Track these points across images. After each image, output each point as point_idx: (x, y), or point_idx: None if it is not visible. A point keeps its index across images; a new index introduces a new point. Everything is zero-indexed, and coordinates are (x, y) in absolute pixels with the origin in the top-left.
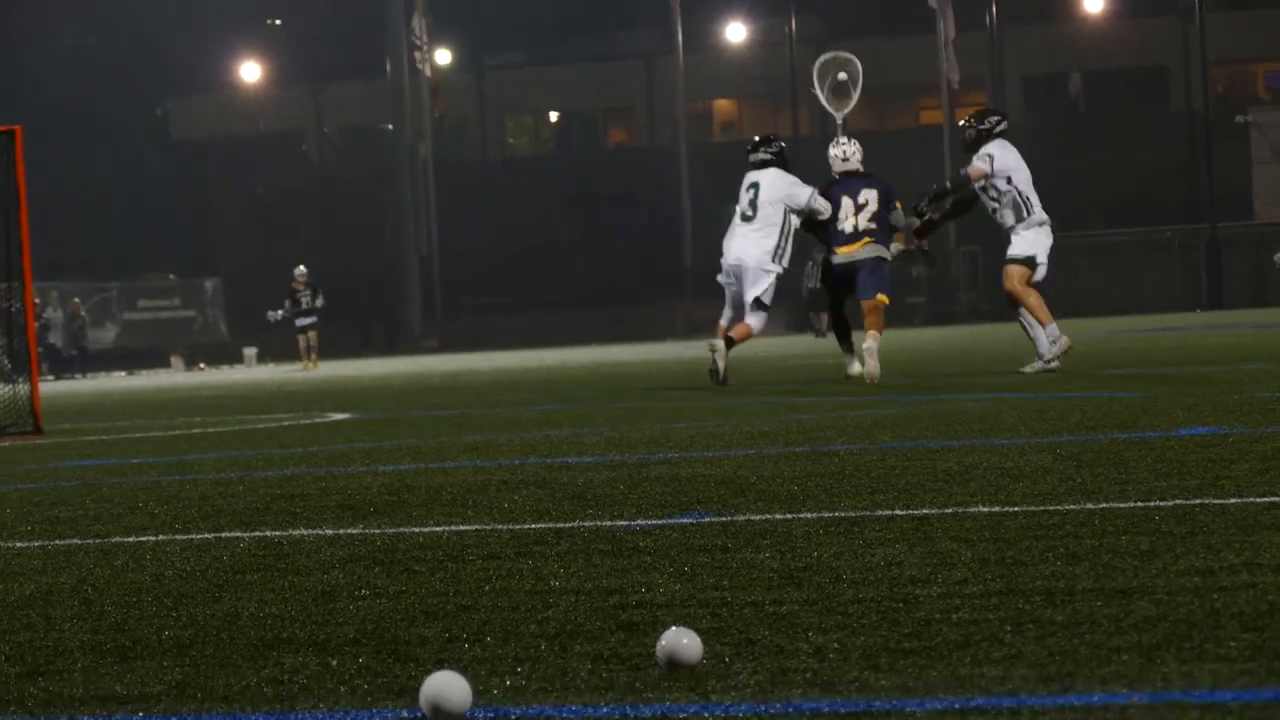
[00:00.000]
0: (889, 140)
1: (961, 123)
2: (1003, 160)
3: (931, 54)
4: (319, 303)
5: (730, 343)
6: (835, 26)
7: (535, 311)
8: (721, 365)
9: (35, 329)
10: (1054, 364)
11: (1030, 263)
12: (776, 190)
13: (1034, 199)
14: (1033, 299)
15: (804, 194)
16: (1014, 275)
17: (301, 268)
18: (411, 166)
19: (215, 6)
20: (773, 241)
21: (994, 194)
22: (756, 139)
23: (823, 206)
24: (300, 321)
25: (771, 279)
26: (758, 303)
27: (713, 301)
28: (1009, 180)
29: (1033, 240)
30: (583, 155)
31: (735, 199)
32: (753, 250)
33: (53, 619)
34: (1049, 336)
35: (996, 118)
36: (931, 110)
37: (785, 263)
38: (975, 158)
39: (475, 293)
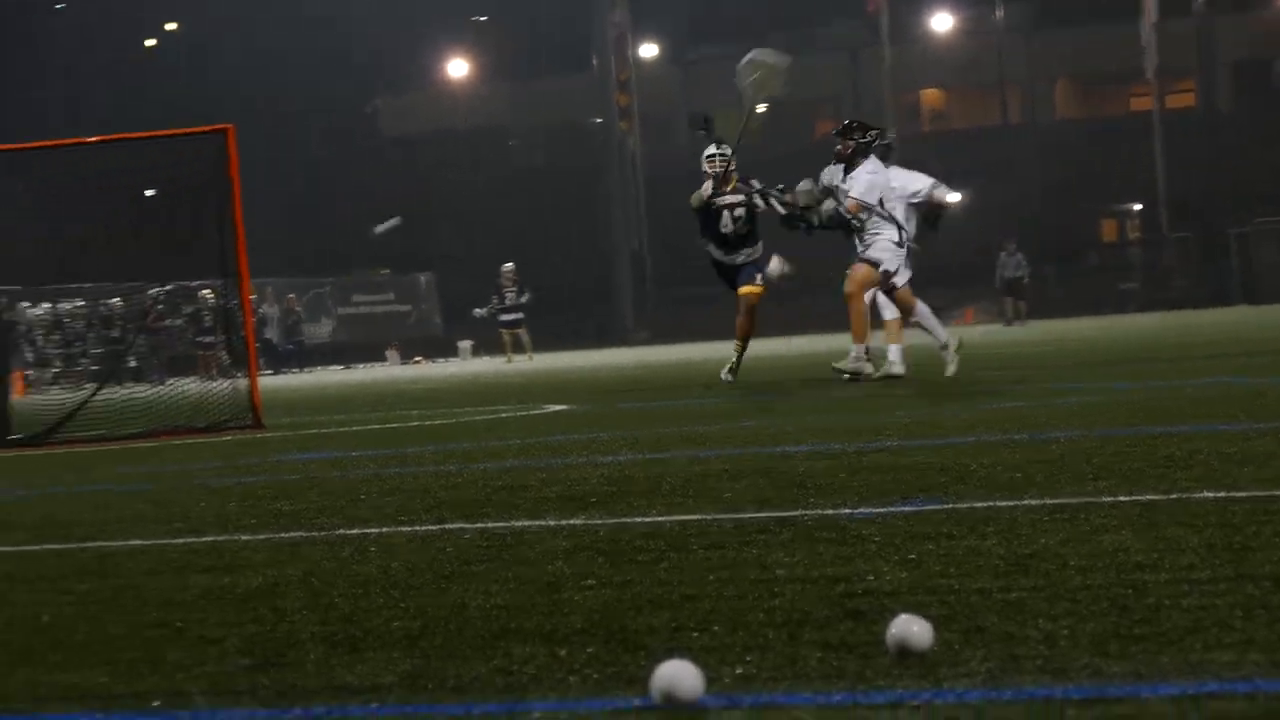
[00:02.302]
0: (1098, 128)
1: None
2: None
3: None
4: (524, 299)
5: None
6: (1043, 13)
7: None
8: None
9: (253, 325)
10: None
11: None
12: None
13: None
14: (862, 308)
15: None
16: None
17: (509, 265)
18: (620, 160)
19: (422, 4)
20: None
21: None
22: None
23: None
24: (505, 318)
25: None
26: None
27: (935, 292)
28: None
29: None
30: (790, 147)
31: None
32: None
33: (282, 611)
34: (856, 354)
35: (876, 131)
36: (1141, 97)
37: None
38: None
39: (686, 284)
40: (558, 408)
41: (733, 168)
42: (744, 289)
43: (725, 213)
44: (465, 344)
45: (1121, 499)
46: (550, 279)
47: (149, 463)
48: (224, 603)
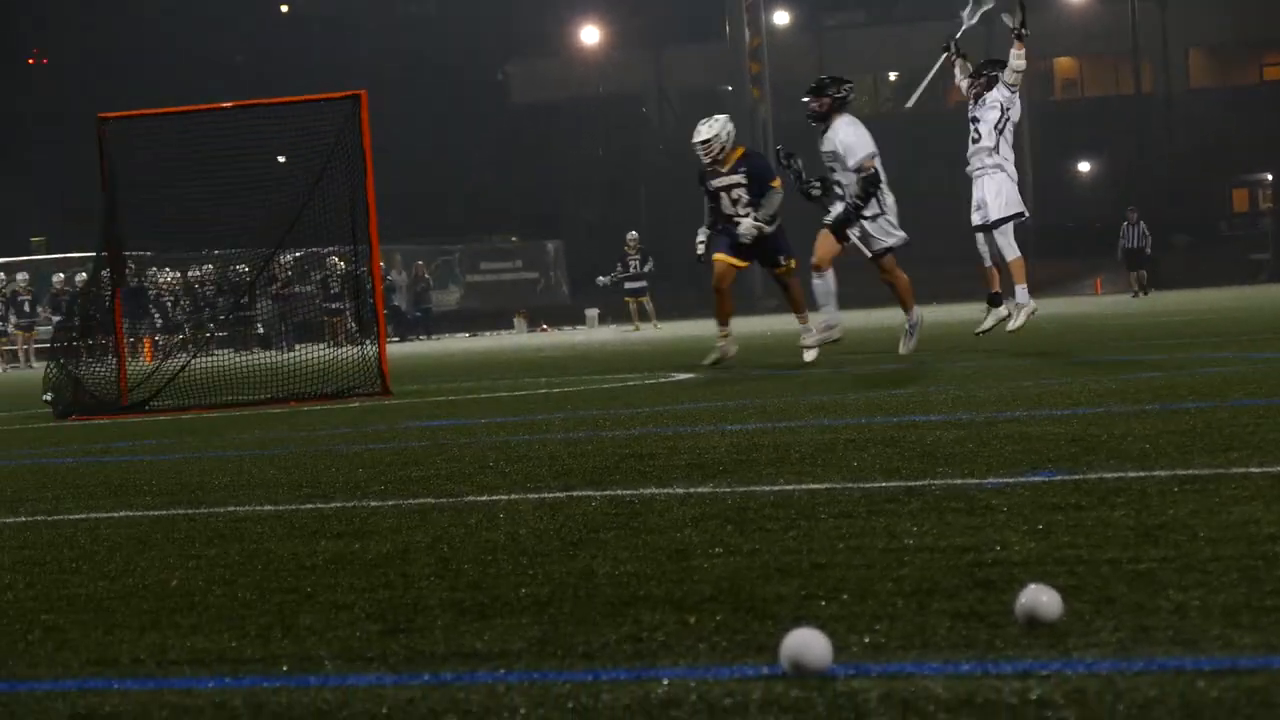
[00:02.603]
0: (1232, 97)
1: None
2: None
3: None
4: (648, 268)
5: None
6: None
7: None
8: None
9: (381, 291)
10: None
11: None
12: None
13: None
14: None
15: None
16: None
17: (633, 233)
18: (752, 128)
19: None
20: None
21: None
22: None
23: None
24: (629, 285)
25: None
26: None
27: (1063, 261)
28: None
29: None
30: (924, 114)
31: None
32: None
33: (411, 577)
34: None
35: (849, 85)
36: (1275, 66)
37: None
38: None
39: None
40: (684, 376)
41: (724, 150)
42: (776, 271)
43: (723, 195)
44: (592, 312)
45: (1253, 470)
46: (681, 247)
47: (277, 428)
48: (353, 568)
